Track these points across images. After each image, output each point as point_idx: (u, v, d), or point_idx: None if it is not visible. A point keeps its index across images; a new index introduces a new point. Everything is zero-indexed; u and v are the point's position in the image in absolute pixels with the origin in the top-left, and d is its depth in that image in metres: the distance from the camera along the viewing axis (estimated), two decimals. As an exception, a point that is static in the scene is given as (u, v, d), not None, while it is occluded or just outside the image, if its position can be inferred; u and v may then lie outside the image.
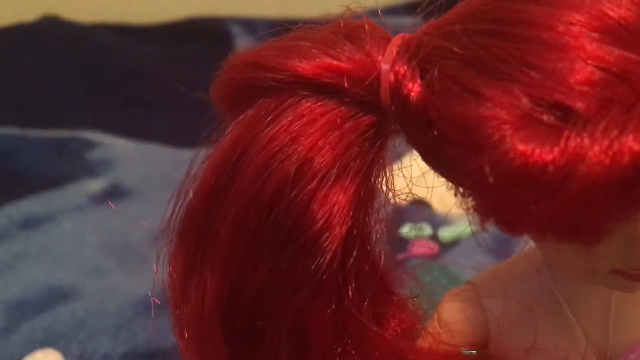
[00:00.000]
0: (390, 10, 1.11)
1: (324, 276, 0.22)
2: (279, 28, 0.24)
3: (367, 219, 0.23)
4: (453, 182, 0.21)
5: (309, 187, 0.21)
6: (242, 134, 0.22)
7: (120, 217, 0.60)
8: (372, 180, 0.23)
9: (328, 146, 0.21)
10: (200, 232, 0.23)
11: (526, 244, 0.25)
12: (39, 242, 0.56)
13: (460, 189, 0.20)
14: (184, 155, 0.73)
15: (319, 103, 0.21)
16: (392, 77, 0.20)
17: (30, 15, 0.99)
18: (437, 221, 0.55)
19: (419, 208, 0.54)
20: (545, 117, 0.17)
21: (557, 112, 0.17)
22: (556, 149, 0.17)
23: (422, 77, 0.20)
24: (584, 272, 0.21)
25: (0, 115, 0.79)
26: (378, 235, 0.24)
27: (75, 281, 0.51)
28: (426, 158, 0.22)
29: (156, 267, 0.25)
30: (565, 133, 0.17)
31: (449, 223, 0.54)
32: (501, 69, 0.18)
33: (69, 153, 0.72)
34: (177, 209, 0.25)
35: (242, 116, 0.23)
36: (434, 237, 0.54)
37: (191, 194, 0.24)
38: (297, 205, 0.21)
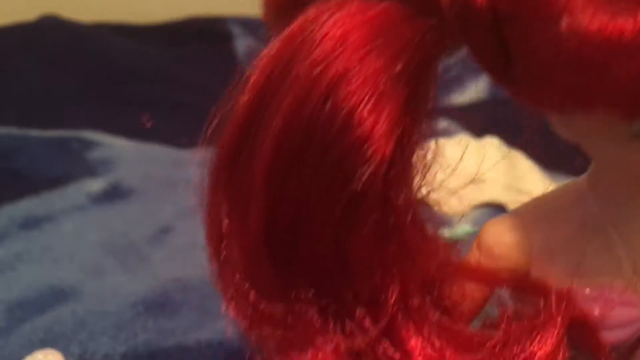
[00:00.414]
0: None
1: (370, 183, 0.21)
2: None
3: (414, 132, 0.22)
4: (511, 85, 0.20)
5: (357, 93, 0.20)
6: (291, 38, 0.21)
7: (120, 217, 0.60)
8: (425, 92, 0.22)
9: (380, 49, 0.20)
10: (245, 142, 0.22)
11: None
12: (39, 242, 0.56)
13: (518, 89, 0.20)
14: (184, 155, 0.73)
15: (375, 3, 0.20)
16: None
17: (30, 15, 0.99)
18: (437, 221, 0.55)
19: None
20: None
21: None
22: (631, 19, 0.17)
23: None
24: None
25: (0, 115, 0.79)
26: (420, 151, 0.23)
27: (76, 281, 0.51)
28: (483, 59, 0.21)
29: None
30: None
31: (449, 223, 0.54)
32: None
33: (69, 153, 0.72)
34: (222, 116, 0.24)
35: (299, 17, 0.21)
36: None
37: (237, 102, 0.23)
38: (344, 110, 0.20)
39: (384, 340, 0.24)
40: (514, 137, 0.56)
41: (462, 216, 0.55)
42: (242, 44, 1.02)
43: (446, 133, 0.67)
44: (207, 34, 1.04)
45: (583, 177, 0.25)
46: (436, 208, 0.25)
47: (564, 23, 0.17)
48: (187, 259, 0.53)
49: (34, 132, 0.75)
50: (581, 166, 0.25)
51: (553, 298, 0.24)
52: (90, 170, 0.68)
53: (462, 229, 0.54)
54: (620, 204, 0.24)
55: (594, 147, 0.23)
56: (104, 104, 0.85)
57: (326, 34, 0.20)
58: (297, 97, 0.21)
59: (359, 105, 0.20)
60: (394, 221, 0.23)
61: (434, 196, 0.25)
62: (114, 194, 0.64)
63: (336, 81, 0.20)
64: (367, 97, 0.20)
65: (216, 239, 0.24)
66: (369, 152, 0.20)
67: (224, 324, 0.45)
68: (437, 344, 0.24)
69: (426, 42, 0.21)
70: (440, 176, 0.25)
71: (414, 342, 0.24)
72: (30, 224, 0.58)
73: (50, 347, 0.43)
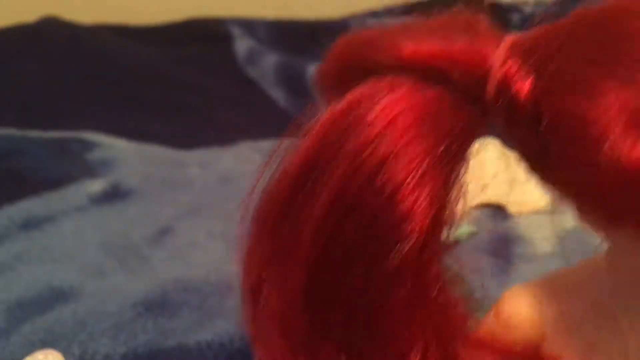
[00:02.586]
0: (390, 11, 1.11)
1: (406, 258, 0.22)
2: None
3: (449, 208, 0.23)
4: (552, 181, 0.21)
5: (402, 173, 0.21)
6: (343, 113, 0.23)
7: (120, 217, 0.60)
8: (461, 171, 0.23)
9: (425, 133, 0.21)
10: (293, 205, 0.24)
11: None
12: (39, 243, 0.56)
13: (556, 188, 0.21)
14: (184, 156, 0.74)
15: (423, 89, 0.22)
16: (502, 73, 0.21)
17: (30, 16, 0.99)
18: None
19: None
20: None
21: None
22: None
23: (536, 73, 0.20)
24: None
25: (0, 116, 0.79)
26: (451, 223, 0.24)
27: (76, 281, 0.51)
28: (524, 153, 0.22)
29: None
30: None
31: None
32: (621, 71, 0.18)
33: (69, 154, 0.72)
34: (265, 178, 0.25)
35: (344, 96, 0.23)
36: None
37: (286, 165, 0.24)
38: (389, 189, 0.22)
39: None
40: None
41: (462, 216, 0.55)
42: (241, 45, 1.02)
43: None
44: (207, 35, 1.04)
45: (601, 255, 0.25)
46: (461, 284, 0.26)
47: (604, 147, 0.18)
48: (187, 259, 0.53)
49: (34, 133, 0.75)
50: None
51: None
52: (90, 171, 0.68)
53: (462, 229, 0.54)
54: (633, 293, 0.24)
55: (615, 241, 0.23)
56: (104, 105, 0.85)
57: (377, 115, 0.22)
58: (346, 172, 0.22)
59: (402, 186, 0.22)
60: (424, 292, 0.24)
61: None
62: (114, 194, 0.64)
63: (383, 162, 0.21)
64: (410, 179, 0.22)
65: (253, 289, 0.25)
66: (408, 230, 0.22)
67: (224, 324, 0.45)
68: None
69: (468, 128, 0.22)
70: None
71: None
72: (31, 224, 0.58)
73: (51, 348, 0.43)
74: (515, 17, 1.03)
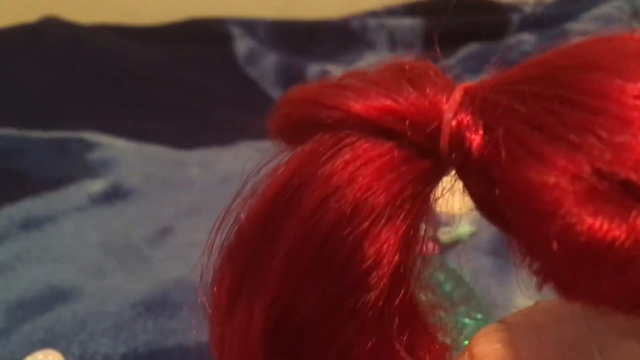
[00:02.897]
0: (390, 11, 1.11)
1: (370, 312, 0.22)
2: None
3: (412, 257, 0.23)
4: (509, 236, 0.21)
5: (362, 226, 0.21)
6: (299, 167, 0.23)
7: (120, 217, 0.60)
8: (422, 220, 0.23)
9: (383, 187, 0.21)
10: (251, 258, 0.24)
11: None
12: (39, 243, 0.56)
13: (517, 246, 0.20)
14: (184, 156, 0.74)
15: (377, 144, 0.22)
16: (454, 126, 0.21)
17: (30, 16, 0.99)
18: (438, 222, 0.55)
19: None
20: (611, 192, 0.17)
21: (624, 187, 0.17)
22: (624, 226, 0.16)
23: (486, 133, 0.20)
24: (634, 335, 0.21)
25: (0, 116, 0.79)
26: (416, 270, 0.25)
27: (76, 281, 0.51)
28: (481, 209, 0.22)
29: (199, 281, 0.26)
30: (634, 211, 0.16)
31: (450, 224, 0.54)
32: (570, 138, 0.18)
33: (69, 154, 0.72)
34: (223, 229, 0.25)
35: (299, 149, 0.23)
36: (434, 238, 0.54)
37: (242, 217, 0.24)
38: (350, 243, 0.21)
39: None
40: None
41: (462, 216, 0.55)
42: (241, 45, 1.02)
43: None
44: (207, 35, 1.05)
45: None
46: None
47: (555, 220, 0.17)
48: (187, 259, 0.53)
49: (35, 133, 0.75)
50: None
51: None
52: (91, 171, 0.68)
53: (462, 229, 0.54)
54: (610, 332, 0.23)
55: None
56: (104, 105, 0.85)
57: (335, 169, 0.22)
58: (305, 227, 0.22)
59: (363, 239, 0.22)
60: (391, 340, 0.24)
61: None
62: (114, 194, 0.64)
63: (343, 214, 0.21)
64: (372, 230, 0.22)
65: (218, 339, 0.26)
66: (373, 281, 0.22)
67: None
68: None
69: (425, 180, 0.22)
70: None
71: None
72: (31, 224, 0.58)
73: (51, 348, 0.43)
74: (515, 17, 1.03)
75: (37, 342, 0.44)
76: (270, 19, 1.10)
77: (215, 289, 0.25)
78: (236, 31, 1.04)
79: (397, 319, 0.23)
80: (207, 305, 0.26)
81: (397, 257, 0.22)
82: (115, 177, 0.67)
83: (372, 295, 0.22)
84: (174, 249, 0.56)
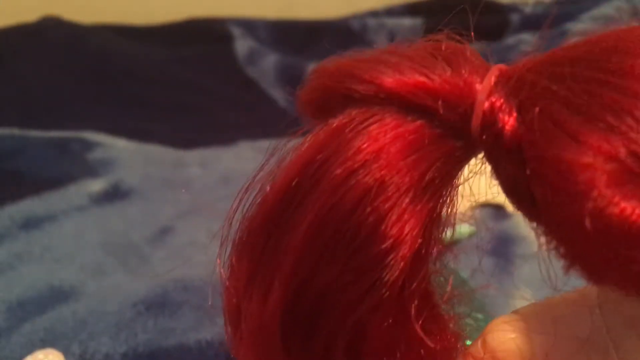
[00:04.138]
0: (390, 11, 1.11)
1: (388, 291, 0.22)
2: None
3: (433, 240, 0.23)
4: (535, 221, 0.20)
5: (386, 204, 0.21)
6: (327, 140, 0.22)
7: (121, 217, 0.60)
8: (446, 203, 0.23)
9: (410, 166, 0.21)
10: (273, 229, 0.23)
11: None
12: (39, 242, 0.56)
13: (542, 230, 0.20)
14: (184, 156, 0.74)
15: (407, 122, 0.21)
16: (487, 107, 0.20)
17: (31, 16, 0.99)
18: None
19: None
20: None
21: None
22: None
23: (520, 113, 0.20)
24: None
25: (1, 115, 0.79)
26: (436, 255, 0.24)
27: (76, 281, 0.51)
28: (509, 192, 0.21)
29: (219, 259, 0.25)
30: None
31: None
32: (607, 119, 0.18)
33: (69, 153, 0.72)
34: (246, 202, 0.24)
35: (328, 123, 0.23)
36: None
37: (267, 188, 0.24)
38: (373, 220, 0.21)
39: None
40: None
41: (462, 216, 0.55)
42: (242, 45, 1.02)
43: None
44: (207, 35, 1.05)
45: (592, 289, 0.25)
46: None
47: (587, 202, 0.17)
48: (187, 259, 0.54)
49: (35, 133, 0.75)
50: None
51: None
52: (91, 170, 0.69)
53: (462, 229, 0.54)
54: (627, 329, 0.23)
55: (603, 289, 0.22)
56: (104, 105, 0.85)
57: (362, 145, 0.21)
58: (330, 199, 0.22)
59: (386, 216, 0.21)
60: (406, 324, 0.24)
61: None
62: (114, 194, 0.64)
63: (368, 190, 0.21)
64: (395, 209, 0.21)
65: (233, 311, 0.25)
66: (392, 261, 0.22)
67: (224, 324, 0.45)
68: None
69: (453, 161, 0.22)
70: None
71: None
72: (31, 224, 0.59)
73: (51, 347, 0.43)
74: (515, 17, 1.03)
75: (38, 341, 0.44)
76: (270, 19, 1.10)
77: (234, 260, 0.25)
78: (236, 31, 1.04)
79: (415, 301, 0.23)
80: (224, 277, 0.26)
81: (419, 239, 0.22)
82: (116, 177, 0.67)
83: (392, 274, 0.22)
84: (174, 248, 0.56)
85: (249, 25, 1.07)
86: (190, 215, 0.60)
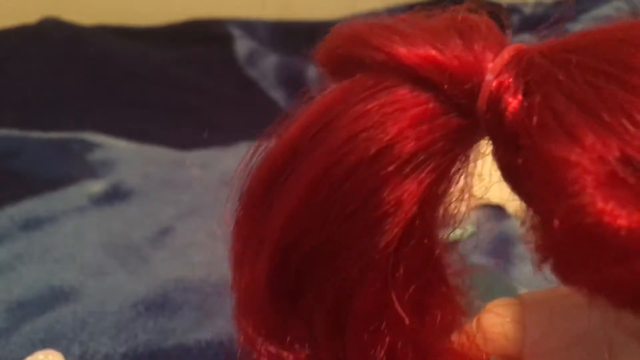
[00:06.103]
0: (390, 11, 1.11)
1: (377, 256, 0.22)
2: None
3: (433, 214, 0.23)
4: (527, 206, 0.20)
5: (385, 171, 0.21)
6: (334, 102, 0.22)
7: (121, 218, 0.60)
8: (449, 179, 0.23)
9: (413, 137, 0.21)
10: (275, 180, 0.24)
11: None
12: (40, 243, 0.56)
13: (530, 217, 0.20)
14: (184, 156, 0.74)
15: (414, 93, 0.21)
16: (494, 86, 0.20)
17: (31, 17, 0.99)
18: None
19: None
20: (631, 179, 0.16)
21: None
22: (635, 216, 0.16)
23: (525, 97, 0.20)
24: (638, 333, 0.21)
25: (1, 116, 0.79)
26: (440, 231, 0.24)
27: (76, 281, 0.51)
28: (506, 177, 0.22)
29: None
30: None
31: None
32: (604, 117, 0.17)
33: (70, 154, 0.72)
34: (258, 155, 0.25)
35: (337, 86, 0.23)
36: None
37: (273, 142, 0.24)
38: (371, 184, 0.21)
39: None
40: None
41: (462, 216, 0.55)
42: (242, 46, 1.02)
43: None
44: (208, 36, 1.05)
45: None
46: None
47: (571, 198, 0.17)
48: (187, 259, 0.54)
49: (35, 134, 0.75)
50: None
51: None
52: (91, 171, 0.69)
53: (463, 230, 0.54)
54: (621, 335, 0.23)
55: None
56: (104, 106, 0.85)
57: (368, 110, 0.21)
58: (329, 160, 0.22)
59: (384, 183, 0.21)
60: (395, 291, 0.24)
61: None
62: (114, 195, 0.64)
63: (371, 155, 0.21)
64: (394, 177, 0.21)
65: (236, 261, 0.26)
66: (387, 226, 0.22)
67: (224, 324, 0.45)
68: None
69: (456, 137, 0.22)
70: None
71: None
72: (31, 224, 0.59)
73: (51, 348, 0.43)
74: (515, 18, 1.03)
75: (38, 342, 0.44)
76: (270, 19, 1.10)
77: (241, 206, 0.25)
78: (236, 32, 1.05)
79: (401, 269, 0.23)
80: (232, 222, 0.26)
81: (415, 209, 0.22)
82: (116, 178, 0.67)
83: (383, 240, 0.22)
84: (174, 249, 0.56)
85: (249, 26, 1.07)
86: (190, 216, 0.60)
